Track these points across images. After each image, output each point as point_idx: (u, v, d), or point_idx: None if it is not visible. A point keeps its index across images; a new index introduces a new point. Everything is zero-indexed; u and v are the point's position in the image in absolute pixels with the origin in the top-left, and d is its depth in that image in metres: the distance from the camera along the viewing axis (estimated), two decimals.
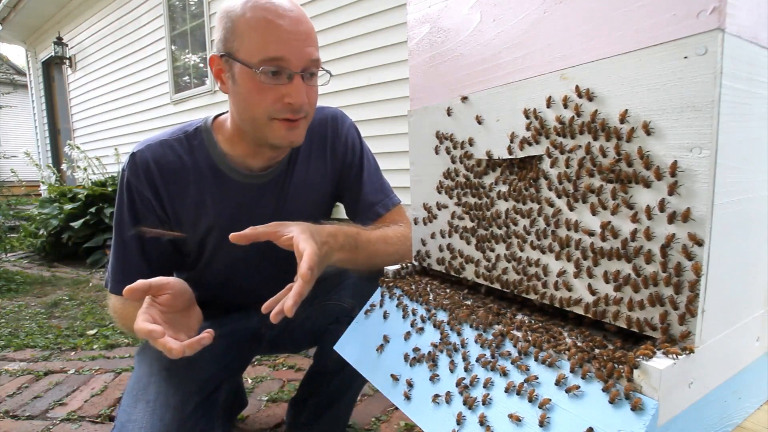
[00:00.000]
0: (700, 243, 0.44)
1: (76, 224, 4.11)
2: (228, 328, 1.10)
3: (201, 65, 4.79)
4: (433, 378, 0.64)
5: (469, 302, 0.72)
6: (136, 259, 0.97)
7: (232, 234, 0.80)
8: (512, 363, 0.57)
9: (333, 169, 1.13)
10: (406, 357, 0.70)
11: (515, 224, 0.64)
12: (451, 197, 0.75)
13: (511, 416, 0.52)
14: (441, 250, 0.79)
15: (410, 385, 0.66)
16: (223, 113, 1.05)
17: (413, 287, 0.80)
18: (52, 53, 7.05)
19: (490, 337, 0.62)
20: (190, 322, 0.82)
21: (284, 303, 0.70)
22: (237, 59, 0.88)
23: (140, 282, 0.74)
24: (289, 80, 0.88)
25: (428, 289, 0.79)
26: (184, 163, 0.99)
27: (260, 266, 1.08)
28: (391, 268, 0.89)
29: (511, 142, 0.63)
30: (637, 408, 0.44)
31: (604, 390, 0.47)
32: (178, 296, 0.80)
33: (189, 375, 0.93)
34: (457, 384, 0.60)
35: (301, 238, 0.78)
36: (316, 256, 0.75)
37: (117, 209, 0.99)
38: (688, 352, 0.45)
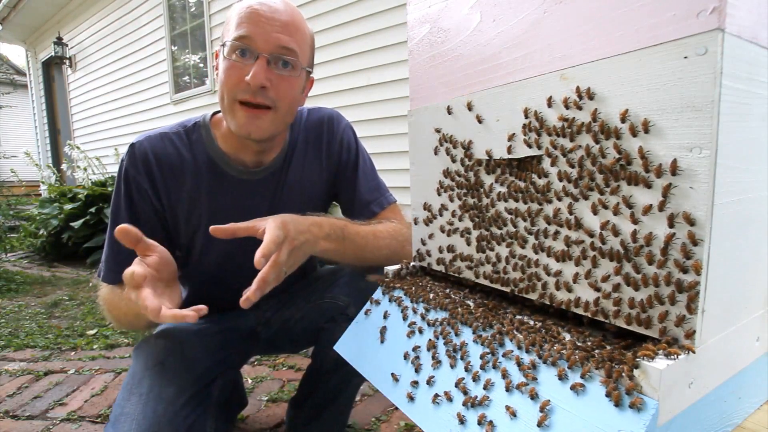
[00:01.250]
0: (699, 243, 0.44)
1: (76, 224, 4.11)
2: (224, 325, 1.11)
3: (201, 65, 4.79)
4: (433, 378, 0.64)
5: (469, 302, 0.72)
6: (130, 250, 0.97)
7: (212, 227, 0.80)
8: (513, 363, 0.57)
9: (328, 168, 1.13)
10: (405, 356, 0.70)
11: (515, 224, 0.64)
12: (451, 197, 0.75)
13: (510, 414, 0.52)
14: (441, 250, 0.79)
15: (410, 385, 0.66)
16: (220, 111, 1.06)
17: (413, 287, 0.80)
18: (52, 53, 7.05)
19: (490, 337, 0.62)
20: (172, 295, 0.81)
21: (248, 289, 0.73)
22: (222, 43, 0.93)
23: (135, 229, 0.74)
24: (255, 61, 0.89)
25: (428, 289, 0.79)
26: (183, 157, 1.00)
27: (248, 263, 1.08)
28: (391, 268, 0.89)
29: (511, 142, 0.63)
30: (637, 408, 0.44)
31: (606, 392, 0.47)
32: (164, 264, 0.79)
33: (183, 369, 0.93)
34: (457, 384, 0.60)
35: (268, 227, 0.79)
36: (273, 244, 0.76)
37: (114, 198, 0.99)
38: (688, 352, 0.45)
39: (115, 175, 1.05)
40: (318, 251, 0.90)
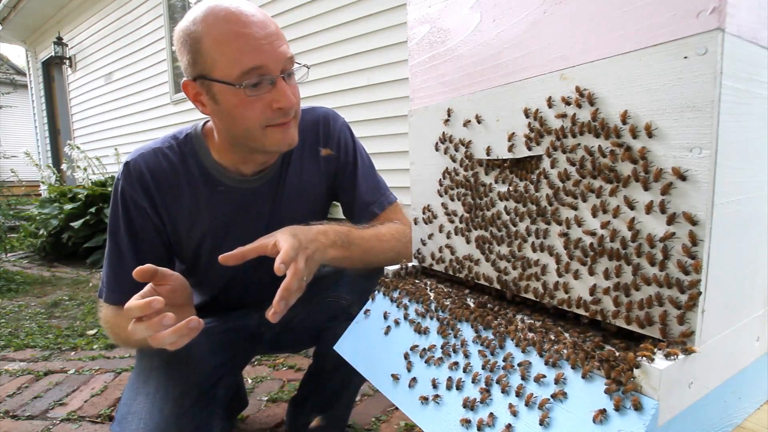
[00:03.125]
0: (699, 243, 0.44)
1: (76, 224, 4.11)
2: (228, 325, 1.11)
3: None
4: (433, 378, 0.64)
5: (469, 302, 0.72)
6: (131, 268, 0.97)
7: (221, 256, 0.80)
8: (513, 363, 0.57)
9: (327, 169, 1.12)
10: (406, 357, 0.70)
11: (515, 224, 0.64)
12: (451, 197, 0.75)
13: (512, 413, 0.52)
14: (441, 250, 0.79)
15: (410, 385, 0.66)
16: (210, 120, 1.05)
17: (413, 287, 0.80)
18: (52, 53, 7.05)
19: (491, 337, 0.62)
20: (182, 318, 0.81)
21: (275, 303, 0.72)
22: (214, 79, 0.86)
23: (150, 266, 0.74)
24: (272, 86, 0.87)
25: (428, 289, 0.79)
26: (177, 171, 0.99)
27: (258, 271, 1.08)
28: (391, 269, 0.89)
29: (511, 141, 0.63)
30: (637, 408, 0.44)
31: (606, 392, 0.47)
32: (178, 291, 0.80)
33: (189, 369, 0.93)
34: (458, 384, 0.60)
35: (280, 239, 0.79)
36: (292, 250, 0.76)
37: (111, 218, 0.98)
38: (688, 352, 0.45)
39: (116, 175, 1.04)
40: (328, 259, 0.90)
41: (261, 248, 0.82)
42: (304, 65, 0.97)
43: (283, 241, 0.78)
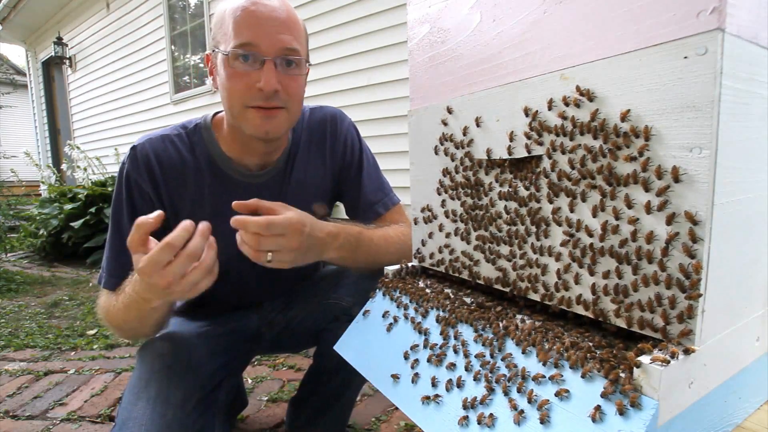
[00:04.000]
0: (699, 242, 0.44)
1: (76, 224, 4.11)
2: (228, 327, 1.10)
3: (201, 65, 4.79)
4: (434, 378, 0.64)
5: (469, 302, 0.72)
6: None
7: (235, 202, 0.81)
8: (513, 363, 0.57)
9: (332, 168, 1.13)
10: (406, 356, 0.70)
11: (515, 224, 0.64)
12: (451, 197, 0.75)
13: (512, 410, 0.52)
14: (441, 250, 0.79)
15: (410, 384, 0.66)
16: (220, 111, 1.05)
17: (413, 287, 0.80)
18: (52, 53, 7.05)
19: (491, 337, 0.62)
20: None
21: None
22: (219, 50, 0.90)
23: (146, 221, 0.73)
24: (261, 66, 0.88)
25: (428, 289, 0.79)
26: (184, 160, 0.99)
27: (256, 265, 1.08)
28: (391, 269, 0.89)
29: (511, 141, 0.63)
30: (637, 408, 0.44)
31: (606, 392, 0.47)
32: None
33: (190, 372, 0.93)
34: (458, 384, 0.60)
35: (290, 211, 0.83)
36: (285, 220, 0.81)
37: (115, 202, 0.98)
38: (688, 352, 0.45)
39: (116, 175, 1.04)
40: (326, 258, 0.91)
41: (272, 210, 0.84)
42: (305, 61, 0.96)
43: (288, 211, 0.83)
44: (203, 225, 0.71)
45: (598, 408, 0.46)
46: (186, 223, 0.70)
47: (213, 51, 0.93)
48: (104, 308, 0.94)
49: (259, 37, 0.87)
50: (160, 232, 1.00)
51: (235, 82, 0.89)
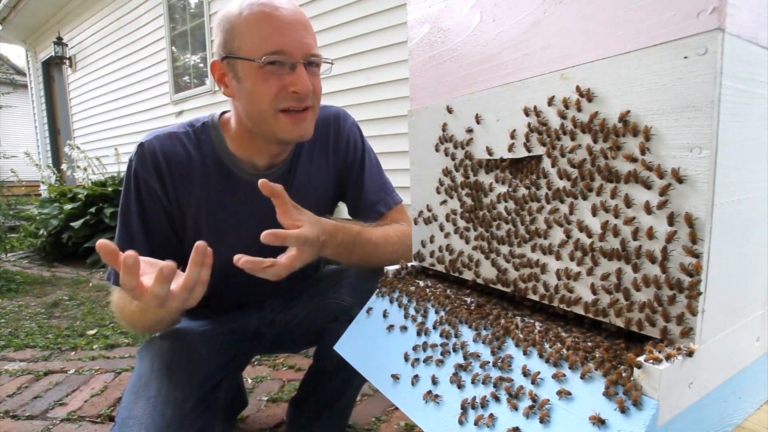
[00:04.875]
0: (699, 243, 0.44)
1: (76, 224, 4.11)
2: (228, 326, 1.10)
3: (201, 65, 4.79)
4: (434, 378, 0.64)
5: (469, 302, 0.72)
6: (140, 249, 0.96)
7: (261, 180, 0.80)
8: (513, 363, 0.57)
9: (335, 167, 1.13)
10: (406, 357, 0.70)
11: (515, 224, 0.64)
12: (451, 197, 0.75)
13: (512, 411, 0.52)
14: (441, 250, 0.79)
15: (410, 385, 0.66)
16: (227, 111, 1.06)
17: (413, 287, 0.80)
18: (52, 53, 7.05)
19: (491, 336, 0.62)
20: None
21: (264, 262, 0.74)
22: (240, 57, 0.90)
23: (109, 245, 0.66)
24: (292, 70, 0.90)
25: (428, 289, 0.79)
26: (191, 157, 1.00)
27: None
28: (391, 269, 0.89)
29: (511, 141, 0.63)
30: (637, 408, 0.44)
31: (606, 392, 0.47)
32: (151, 265, 0.73)
33: (190, 371, 0.93)
34: (458, 384, 0.60)
35: (305, 228, 0.81)
36: (308, 239, 0.79)
37: (123, 198, 0.99)
38: (688, 352, 0.45)
39: (115, 175, 1.04)
40: (323, 254, 0.91)
41: (285, 209, 0.84)
42: (328, 60, 1.00)
43: (307, 225, 0.82)
44: (196, 250, 0.67)
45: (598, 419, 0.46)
46: (168, 264, 0.64)
47: (225, 59, 0.93)
48: (119, 307, 0.93)
49: (289, 43, 0.89)
50: (170, 233, 1.00)
51: (267, 87, 0.90)
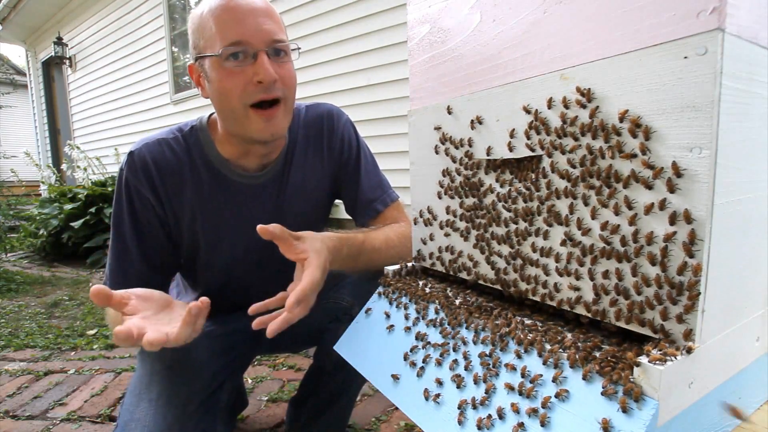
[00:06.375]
0: (699, 243, 0.44)
1: (76, 224, 4.11)
2: (229, 327, 1.10)
3: None
4: (433, 378, 0.64)
5: (469, 302, 0.72)
6: (135, 260, 0.96)
7: (260, 226, 0.77)
8: (513, 363, 0.57)
9: (330, 166, 1.12)
10: (406, 357, 0.70)
11: (515, 224, 0.64)
12: (451, 197, 0.75)
13: (514, 411, 0.52)
14: (441, 250, 0.79)
15: (410, 385, 0.66)
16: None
17: (413, 287, 0.80)
18: (52, 53, 7.05)
19: (491, 336, 0.62)
20: (172, 315, 0.76)
21: (271, 324, 0.72)
22: (205, 55, 0.89)
23: (104, 290, 0.66)
24: (255, 60, 0.87)
25: (428, 289, 0.79)
26: (182, 162, 0.98)
27: (259, 266, 1.07)
28: (391, 268, 0.89)
29: (511, 141, 0.63)
30: (637, 408, 0.44)
31: (606, 392, 0.47)
32: (145, 299, 0.74)
33: (191, 373, 0.93)
34: (458, 384, 0.60)
35: (313, 264, 0.78)
36: (311, 291, 0.75)
37: (115, 209, 0.97)
38: (688, 352, 0.45)
39: (116, 175, 1.04)
40: (330, 269, 0.90)
41: (287, 242, 0.80)
42: (294, 45, 0.95)
43: (310, 272, 0.77)
44: (189, 312, 0.66)
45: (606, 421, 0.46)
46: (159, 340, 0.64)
47: (196, 60, 0.92)
48: (112, 319, 0.90)
49: (247, 32, 0.86)
50: (165, 241, 1.00)
51: (231, 81, 0.87)
